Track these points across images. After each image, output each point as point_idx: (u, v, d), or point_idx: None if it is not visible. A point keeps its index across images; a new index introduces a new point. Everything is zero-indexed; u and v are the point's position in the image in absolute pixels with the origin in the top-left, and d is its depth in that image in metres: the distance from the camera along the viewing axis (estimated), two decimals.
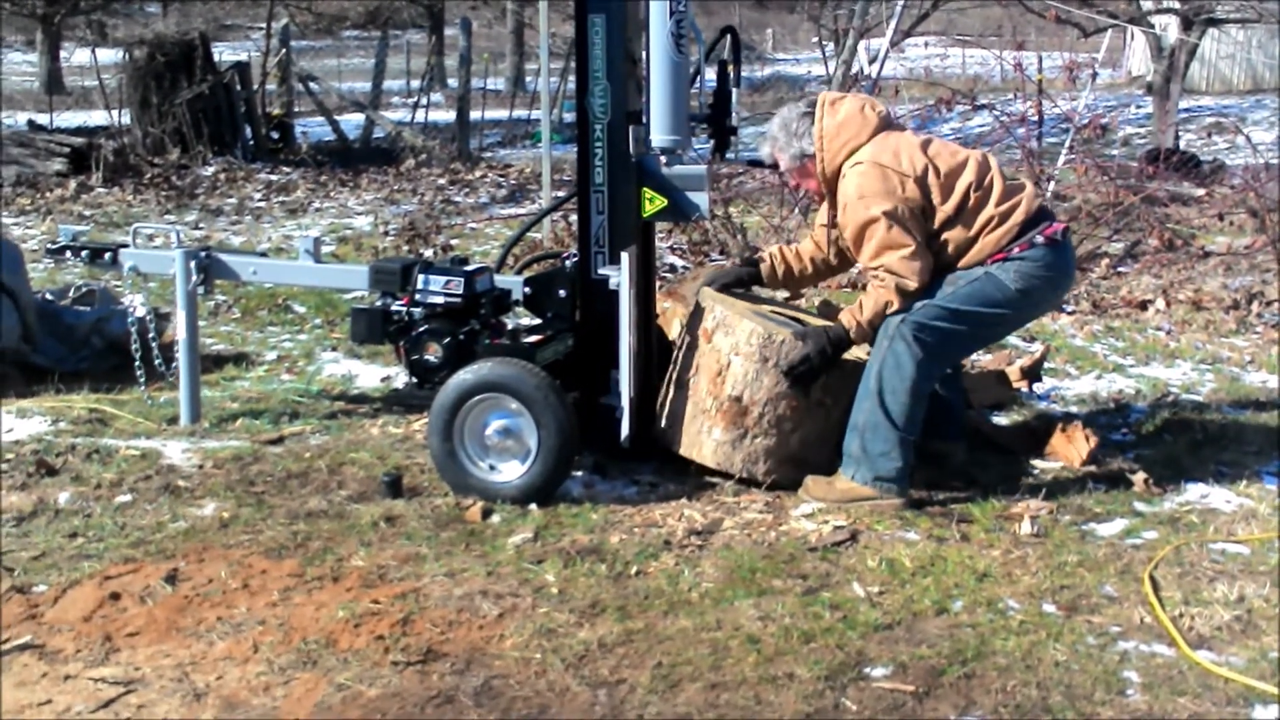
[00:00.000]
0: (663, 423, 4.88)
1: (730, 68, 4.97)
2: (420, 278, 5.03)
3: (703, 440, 4.78)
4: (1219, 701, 3.27)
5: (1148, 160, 12.22)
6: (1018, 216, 4.59)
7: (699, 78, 4.95)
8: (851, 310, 4.67)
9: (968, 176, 4.60)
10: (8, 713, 3.22)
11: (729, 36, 5.07)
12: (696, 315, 4.86)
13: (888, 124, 4.75)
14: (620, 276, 4.63)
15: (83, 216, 12.30)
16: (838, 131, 4.68)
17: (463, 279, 4.98)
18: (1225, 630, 3.65)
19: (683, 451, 4.84)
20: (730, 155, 5.19)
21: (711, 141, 5.06)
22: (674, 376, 4.87)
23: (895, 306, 4.56)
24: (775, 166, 5.05)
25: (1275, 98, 22.12)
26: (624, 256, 4.62)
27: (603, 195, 4.79)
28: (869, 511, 4.52)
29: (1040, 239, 4.58)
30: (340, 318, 7.64)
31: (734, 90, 4.97)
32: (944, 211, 4.57)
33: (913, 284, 4.52)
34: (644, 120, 4.79)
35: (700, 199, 4.82)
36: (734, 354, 4.69)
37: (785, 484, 4.75)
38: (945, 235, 4.59)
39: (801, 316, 5.12)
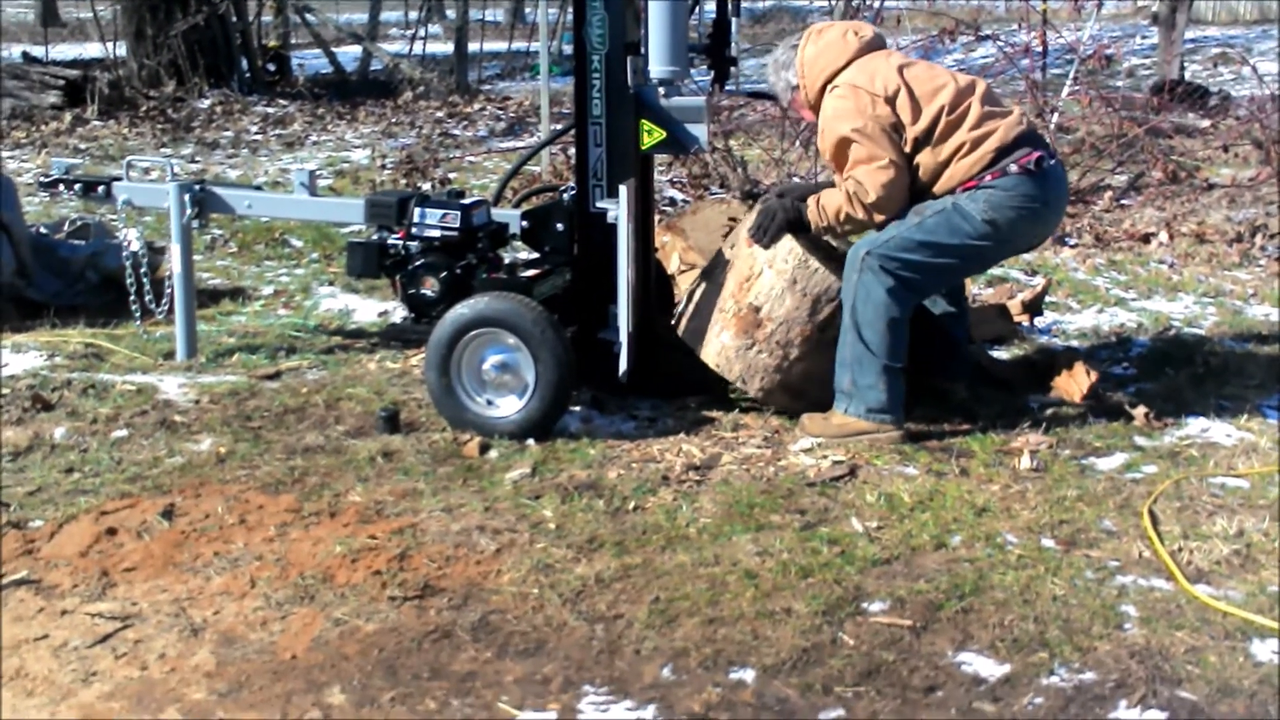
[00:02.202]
0: (679, 308, 4.88)
1: None
2: (417, 211, 4.99)
3: (710, 338, 4.76)
4: (1217, 635, 3.26)
5: (1153, 92, 12.10)
6: (991, 144, 4.51)
7: (698, 7, 4.88)
8: (818, 196, 4.66)
9: (940, 100, 4.53)
10: (5, 648, 3.22)
11: None
12: (745, 220, 4.82)
13: (871, 47, 4.69)
14: (618, 210, 4.58)
15: (78, 150, 12.21)
16: (816, 58, 4.68)
17: (459, 212, 4.94)
18: (1224, 564, 3.64)
19: (686, 339, 4.85)
20: (730, 87, 5.13)
21: (711, 73, 5.00)
22: (708, 269, 4.86)
23: (849, 212, 4.54)
24: (770, 95, 5.03)
25: None
26: (622, 189, 4.56)
27: (600, 127, 4.73)
28: (867, 446, 4.51)
29: (1014, 167, 4.49)
30: (337, 252, 7.59)
31: (734, 20, 4.90)
32: (913, 132, 4.50)
33: (871, 196, 4.49)
34: (642, 51, 4.72)
35: (699, 131, 4.76)
36: (768, 265, 4.66)
37: (777, 410, 4.75)
38: (916, 159, 4.54)
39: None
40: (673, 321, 4.95)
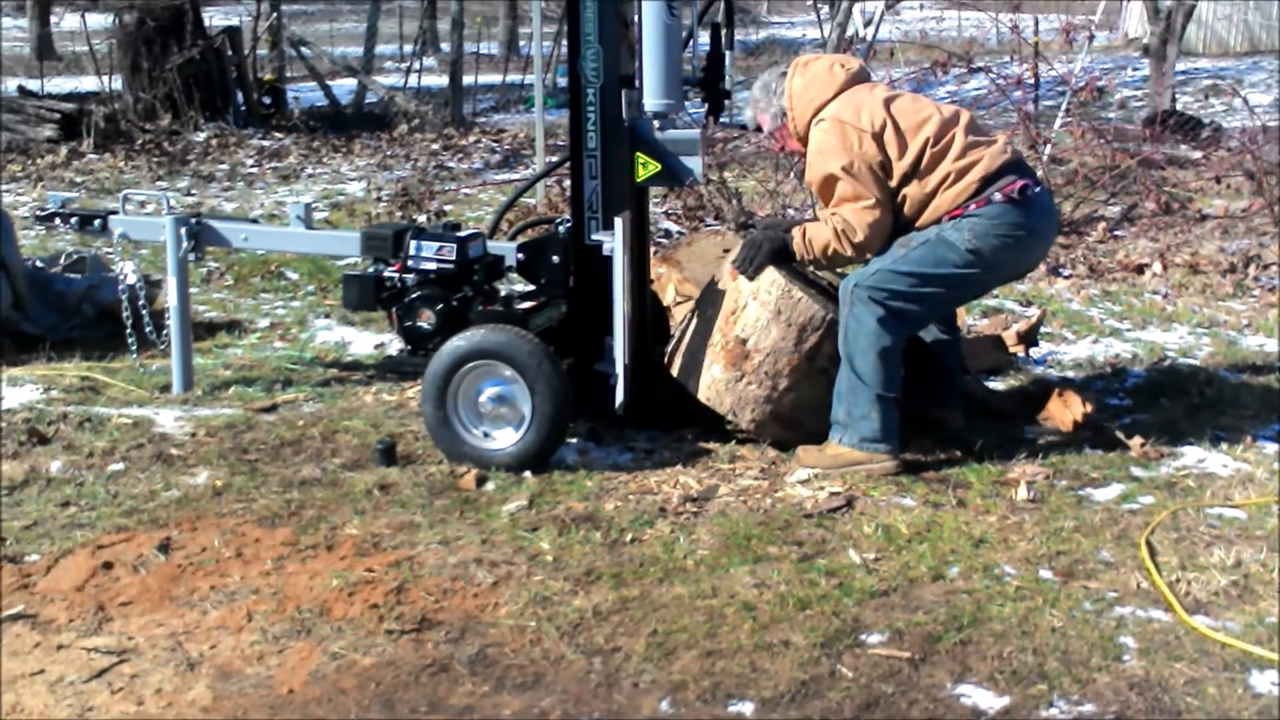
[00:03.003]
0: (671, 345, 4.91)
1: (724, 31, 4.92)
2: (413, 244, 5.00)
3: (701, 373, 4.78)
4: (1216, 667, 3.26)
5: (1146, 124, 12.17)
6: (976, 173, 4.52)
7: (692, 41, 4.90)
8: (803, 227, 4.68)
9: (926, 132, 4.55)
10: (1, 683, 3.21)
11: (722, 0, 5.02)
12: (731, 252, 4.84)
13: (857, 79, 4.72)
14: (614, 242, 4.59)
15: (74, 183, 12.24)
16: (804, 90, 4.70)
17: (455, 245, 4.95)
18: (1222, 595, 3.64)
19: (678, 376, 4.87)
20: (724, 119, 5.14)
21: (705, 105, 5.03)
22: (696, 305, 4.88)
23: (837, 250, 4.57)
24: (760, 129, 5.04)
25: (1272, 59, 22.05)
26: (617, 222, 4.58)
27: (596, 160, 4.75)
28: (864, 477, 4.51)
29: (998, 196, 4.50)
30: (333, 284, 7.60)
31: (727, 53, 4.93)
32: (900, 167, 4.53)
33: (859, 236, 4.52)
34: (637, 84, 4.74)
35: (694, 163, 4.78)
36: (752, 297, 4.68)
37: (773, 441, 4.76)
38: (904, 191, 4.55)
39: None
40: (664, 359, 4.95)
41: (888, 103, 4.60)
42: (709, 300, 4.86)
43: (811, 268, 4.90)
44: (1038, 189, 4.61)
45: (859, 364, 4.53)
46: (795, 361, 4.66)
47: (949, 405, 4.97)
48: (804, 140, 4.73)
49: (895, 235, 4.61)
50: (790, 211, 9.67)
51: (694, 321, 4.88)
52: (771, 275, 4.67)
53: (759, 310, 4.67)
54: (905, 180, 4.54)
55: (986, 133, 4.76)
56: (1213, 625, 3.47)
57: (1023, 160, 4.72)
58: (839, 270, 5.03)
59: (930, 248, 4.53)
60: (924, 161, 4.53)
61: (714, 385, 4.75)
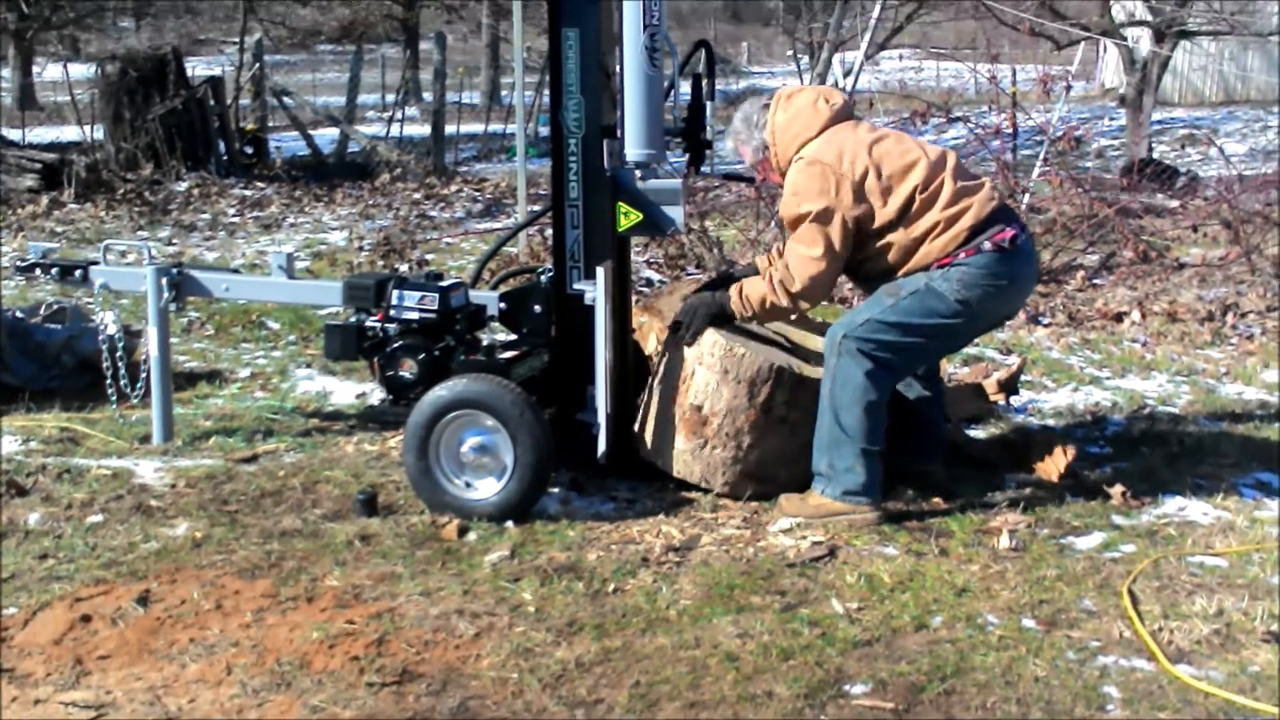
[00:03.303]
0: (637, 426, 4.89)
1: (705, 81, 4.95)
2: (395, 293, 5.00)
3: (665, 447, 4.80)
4: (1199, 716, 3.26)
5: (1124, 173, 12.28)
6: (965, 222, 4.49)
7: (673, 91, 4.94)
8: (739, 285, 4.71)
9: (913, 179, 4.51)
10: None
11: (703, 50, 5.05)
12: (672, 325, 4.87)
13: (842, 117, 4.66)
14: (596, 291, 4.60)
15: (55, 233, 12.21)
16: (788, 125, 4.67)
17: (437, 294, 4.95)
18: (1205, 644, 3.64)
19: (646, 456, 4.87)
20: (705, 169, 5.17)
21: (686, 155, 5.05)
22: (651, 383, 4.88)
23: (774, 302, 4.60)
24: (745, 177, 5.06)
25: (1247, 109, 22.29)
26: (599, 271, 4.59)
27: (577, 210, 4.77)
28: (847, 526, 4.50)
29: (988, 245, 4.48)
30: (315, 334, 7.59)
31: (709, 104, 4.95)
32: (884, 215, 4.49)
33: (796, 286, 4.53)
34: (618, 134, 4.77)
35: (676, 213, 4.80)
36: (698, 364, 4.70)
37: (755, 497, 4.75)
38: (888, 238, 4.52)
39: (803, 335, 5.13)
40: (634, 438, 4.94)
41: (872, 146, 4.55)
42: (661, 374, 4.86)
43: (753, 324, 4.90)
44: (1023, 236, 4.61)
45: (844, 418, 4.51)
46: (753, 417, 4.67)
47: (931, 459, 4.97)
48: (783, 174, 4.70)
49: (879, 281, 4.60)
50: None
51: (651, 398, 4.88)
52: (712, 337, 4.69)
53: (706, 374, 4.68)
54: (890, 228, 4.51)
55: (973, 176, 4.74)
56: (1196, 674, 3.47)
57: (1008, 206, 4.72)
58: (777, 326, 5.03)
59: (919, 298, 4.50)
60: (912, 209, 4.50)
61: (680, 457, 4.77)
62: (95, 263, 5.69)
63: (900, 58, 28.41)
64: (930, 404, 4.98)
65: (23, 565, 4.20)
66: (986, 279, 4.49)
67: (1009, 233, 4.52)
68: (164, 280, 5.40)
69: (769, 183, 5.01)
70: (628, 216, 4.79)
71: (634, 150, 4.71)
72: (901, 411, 4.84)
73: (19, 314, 6.71)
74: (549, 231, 8.53)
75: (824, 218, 4.47)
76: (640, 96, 4.68)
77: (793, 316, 4.90)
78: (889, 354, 4.54)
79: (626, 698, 3.34)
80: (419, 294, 4.96)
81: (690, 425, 4.73)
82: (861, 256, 4.60)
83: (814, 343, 5.10)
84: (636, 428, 4.91)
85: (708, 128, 4.97)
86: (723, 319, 4.74)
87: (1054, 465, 5.04)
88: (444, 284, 5.03)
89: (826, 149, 4.55)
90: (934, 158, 4.60)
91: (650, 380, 4.90)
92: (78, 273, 5.65)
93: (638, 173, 4.76)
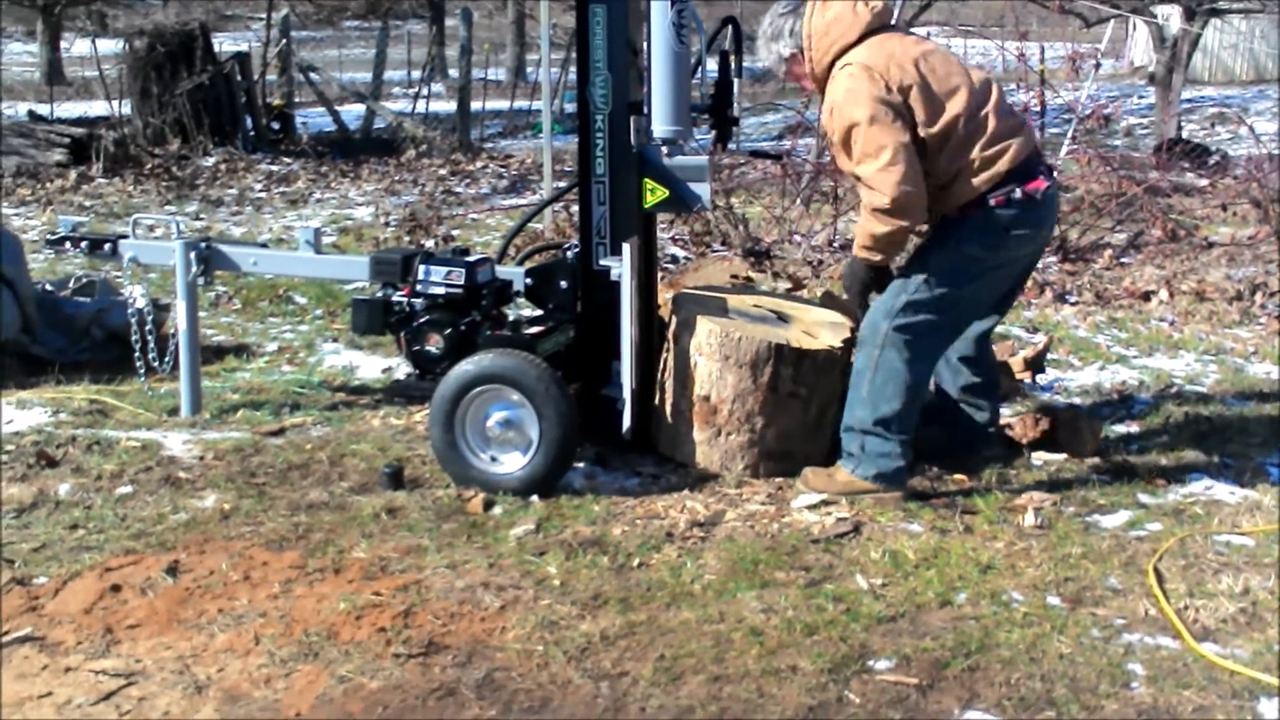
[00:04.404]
0: (653, 422, 4.91)
1: (732, 58, 4.94)
2: (421, 269, 5.01)
3: (682, 441, 4.82)
4: (1224, 694, 3.25)
5: (1156, 151, 12.19)
6: (1002, 165, 4.37)
7: (700, 68, 4.93)
8: (856, 234, 4.54)
9: (958, 105, 4.36)
10: (8, 705, 3.21)
11: (730, 27, 5.04)
12: (669, 317, 4.88)
13: (882, 20, 4.51)
14: (622, 267, 4.61)
15: (83, 207, 12.29)
16: (827, 29, 4.48)
17: (464, 270, 4.96)
18: (1230, 623, 3.63)
19: (665, 451, 4.89)
20: (732, 146, 5.16)
21: (713, 132, 5.05)
22: (659, 378, 4.89)
23: (881, 230, 4.35)
24: (772, 154, 5.03)
25: (1278, 88, 22.08)
26: (625, 247, 4.60)
27: (604, 186, 4.76)
28: (872, 503, 4.50)
29: (1019, 194, 4.39)
30: (341, 309, 7.62)
31: (735, 81, 4.95)
32: (925, 133, 4.33)
33: (886, 200, 4.25)
34: (645, 111, 4.77)
35: (702, 190, 4.80)
36: (698, 354, 4.71)
37: (778, 474, 4.76)
38: (927, 166, 4.36)
39: (798, 308, 5.12)
40: (652, 433, 4.95)
41: (919, 59, 4.38)
42: (667, 369, 4.86)
43: (894, 262, 4.67)
44: (1052, 186, 4.54)
45: (885, 408, 4.48)
46: (761, 398, 4.67)
47: (971, 448, 4.97)
48: (819, 82, 4.56)
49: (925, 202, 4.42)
50: (796, 237, 9.69)
51: (662, 393, 4.88)
52: (707, 325, 4.69)
53: (708, 364, 4.69)
54: (929, 149, 4.35)
55: (1013, 112, 4.58)
56: (1221, 653, 3.46)
57: (1039, 150, 4.62)
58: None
59: (943, 259, 4.46)
60: (954, 138, 4.35)
61: (699, 448, 4.78)
62: (125, 236, 5.72)
63: (929, 35, 28.26)
64: (983, 413, 4.97)
65: (53, 535, 4.24)
66: (1010, 230, 4.43)
67: (1041, 183, 4.43)
68: (192, 254, 5.43)
69: (798, 82, 4.80)
70: (654, 193, 4.79)
71: (661, 127, 4.70)
72: (949, 415, 4.91)
73: (49, 287, 6.78)
74: (574, 208, 8.55)
75: (876, 119, 4.27)
76: (667, 73, 4.67)
77: (918, 231, 4.67)
78: (930, 335, 4.52)
79: (651, 671, 3.35)
80: (445, 269, 4.98)
81: (702, 416, 4.75)
82: None
83: (812, 314, 5.08)
84: (652, 426, 4.91)
85: (735, 104, 4.96)
86: (873, 275, 4.57)
87: (1080, 443, 5.03)
88: (470, 259, 5.05)
89: (874, 56, 4.36)
90: (978, 85, 4.45)
91: (659, 376, 4.91)
92: (107, 246, 5.68)
93: (664, 149, 4.76)
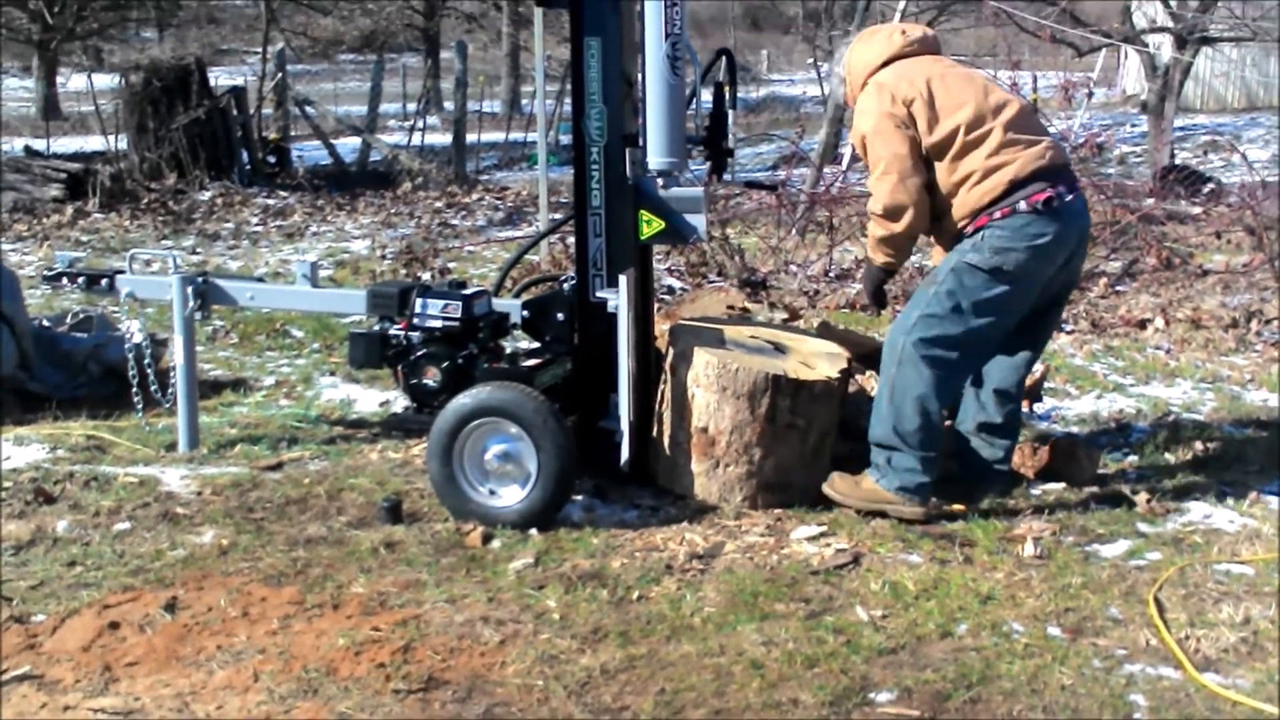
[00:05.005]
0: (651, 454, 4.90)
1: (726, 89, 4.96)
2: (418, 302, 5.02)
3: (680, 473, 4.81)
4: None
5: (1159, 178, 12.22)
6: (1004, 175, 4.45)
7: (695, 100, 4.95)
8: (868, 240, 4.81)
9: (961, 116, 4.50)
10: None
11: (724, 58, 5.07)
12: (666, 348, 4.88)
13: (919, 49, 4.73)
14: (619, 299, 4.61)
15: (80, 242, 12.31)
16: (860, 55, 4.80)
17: (461, 303, 4.97)
18: (1231, 652, 3.63)
19: (663, 482, 4.89)
20: (727, 177, 5.19)
21: (708, 163, 5.06)
22: (657, 409, 4.89)
23: (883, 235, 4.64)
24: (766, 185, 5.14)
25: (1269, 115, 22.19)
26: (622, 279, 4.60)
27: (600, 218, 4.78)
28: (871, 534, 4.50)
29: (1023, 205, 4.44)
30: (338, 342, 7.62)
31: (730, 112, 4.97)
32: (927, 142, 4.51)
33: (878, 205, 4.55)
34: (640, 143, 4.79)
35: (698, 221, 4.82)
36: (695, 385, 4.71)
37: (776, 506, 4.75)
38: (931, 171, 4.55)
39: (794, 339, 5.13)
40: (651, 465, 4.95)
41: (935, 75, 4.58)
42: (664, 401, 4.86)
43: (897, 264, 4.85)
44: (1069, 197, 4.53)
45: (904, 425, 4.56)
46: (759, 429, 4.67)
47: (992, 484, 4.97)
48: (854, 104, 4.82)
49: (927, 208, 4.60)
50: (792, 268, 9.71)
51: (660, 425, 4.88)
52: (704, 357, 4.70)
53: (705, 395, 4.70)
54: (934, 157, 4.53)
55: (1035, 129, 4.65)
56: (1223, 683, 3.45)
57: (1061, 165, 4.61)
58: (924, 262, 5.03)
59: (957, 277, 4.52)
60: (954, 147, 4.49)
61: (697, 480, 4.78)
62: (121, 271, 5.73)
63: None
64: (996, 435, 4.96)
65: (51, 572, 4.22)
66: (1022, 240, 4.46)
67: (1046, 193, 4.46)
68: (189, 289, 5.44)
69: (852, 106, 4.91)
70: (650, 224, 4.81)
71: (656, 158, 4.72)
72: (958, 433, 4.94)
73: (46, 322, 6.78)
74: (570, 239, 8.54)
75: (881, 131, 4.52)
76: (662, 105, 4.69)
77: (921, 243, 4.89)
78: (948, 351, 4.55)
79: (652, 705, 3.34)
80: (443, 302, 4.98)
81: (700, 448, 4.74)
82: None
83: (808, 345, 5.09)
84: (650, 458, 4.91)
85: (729, 136, 4.99)
86: (883, 276, 4.86)
87: (1078, 472, 5.03)
88: (467, 292, 5.05)
89: (891, 74, 4.64)
90: (992, 102, 4.55)
91: (657, 408, 4.91)
92: (104, 281, 5.68)
93: (660, 181, 4.77)
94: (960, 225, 4.56)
